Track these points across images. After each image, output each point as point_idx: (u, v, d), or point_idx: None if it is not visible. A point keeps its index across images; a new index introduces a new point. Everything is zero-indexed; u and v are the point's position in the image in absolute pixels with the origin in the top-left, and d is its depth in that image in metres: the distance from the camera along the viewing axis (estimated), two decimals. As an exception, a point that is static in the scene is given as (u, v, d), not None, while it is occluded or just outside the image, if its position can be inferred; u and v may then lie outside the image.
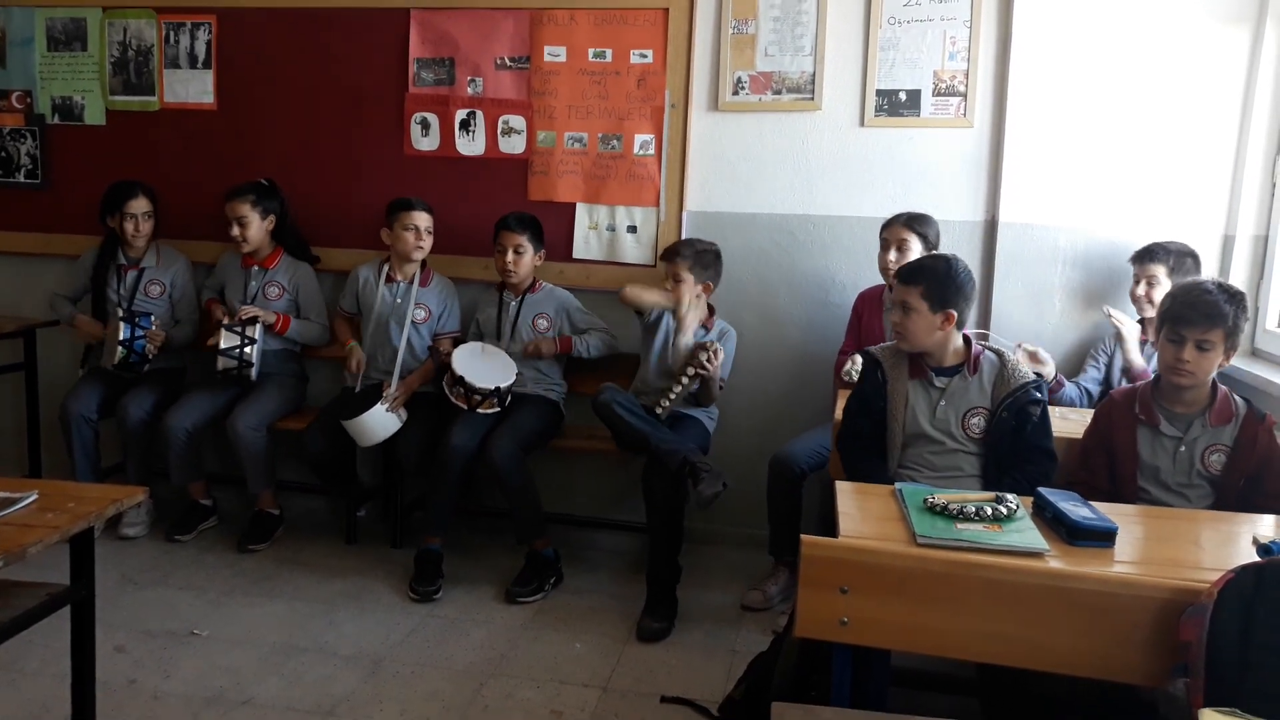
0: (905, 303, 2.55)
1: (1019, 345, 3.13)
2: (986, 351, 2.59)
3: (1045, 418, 2.50)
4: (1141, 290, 3.24)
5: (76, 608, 2.19)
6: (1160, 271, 3.20)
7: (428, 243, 3.72)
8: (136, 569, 3.49)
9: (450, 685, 2.77)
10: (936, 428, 2.54)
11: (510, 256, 3.59)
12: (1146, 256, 3.26)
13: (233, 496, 3.97)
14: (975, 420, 2.53)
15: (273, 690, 2.72)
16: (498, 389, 3.42)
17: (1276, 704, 1.54)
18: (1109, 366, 3.33)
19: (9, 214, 4.30)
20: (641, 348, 3.59)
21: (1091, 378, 3.33)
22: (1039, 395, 2.50)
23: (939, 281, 2.52)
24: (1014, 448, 2.48)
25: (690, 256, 3.41)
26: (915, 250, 3.31)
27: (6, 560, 1.84)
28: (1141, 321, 3.27)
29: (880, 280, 3.47)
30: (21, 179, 4.30)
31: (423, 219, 3.69)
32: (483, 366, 3.48)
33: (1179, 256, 3.20)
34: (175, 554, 3.65)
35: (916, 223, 3.34)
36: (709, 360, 3.26)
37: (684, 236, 3.72)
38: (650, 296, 3.46)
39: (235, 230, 3.74)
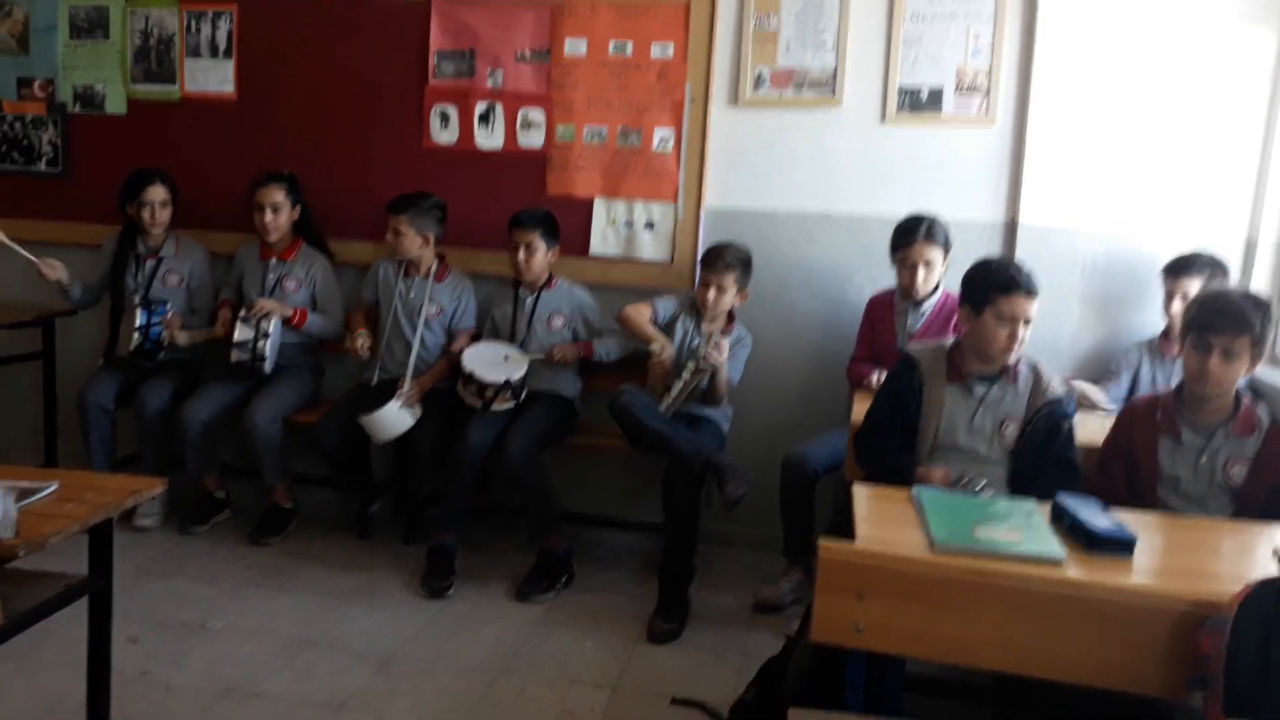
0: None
1: (1067, 380, 2.89)
2: (1022, 361, 2.58)
3: (1073, 431, 2.52)
4: (1176, 307, 3.07)
5: (94, 598, 2.20)
6: (1196, 286, 3.04)
7: (411, 243, 3.65)
8: (150, 560, 3.50)
9: (461, 682, 2.78)
10: (973, 435, 2.53)
11: (522, 254, 3.57)
12: (1182, 269, 3.11)
13: (246, 489, 3.98)
14: (1010, 430, 2.53)
15: (284, 683, 2.73)
16: (508, 382, 3.41)
17: (1296, 719, 1.53)
18: (1134, 382, 3.24)
19: (29, 202, 4.31)
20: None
21: (1114, 396, 3.19)
22: (1070, 409, 2.52)
23: None
24: (1040, 458, 2.48)
25: (737, 265, 3.37)
26: (939, 266, 3.24)
27: (27, 550, 1.84)
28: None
29: (890, 284, 3.42)
30: (43, 167, 4.32)
31: (400, 221, 3.64)
32: (493, 362, 3.48)
33: (1214, 267, 3.07)
34: (189, 545, 3.66)
35: (937, 233, 3.24)
36: (707, 355, 3.21)
37: (701, 234, 3.71)
38: (648, 331, 3.43)
39: (268, 216, 3.72)
